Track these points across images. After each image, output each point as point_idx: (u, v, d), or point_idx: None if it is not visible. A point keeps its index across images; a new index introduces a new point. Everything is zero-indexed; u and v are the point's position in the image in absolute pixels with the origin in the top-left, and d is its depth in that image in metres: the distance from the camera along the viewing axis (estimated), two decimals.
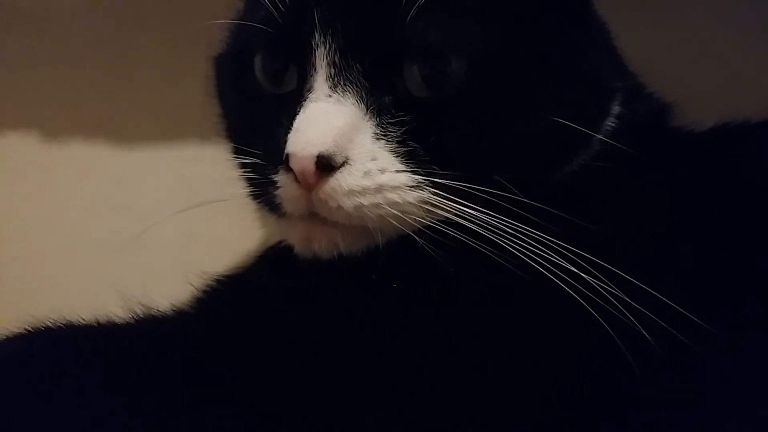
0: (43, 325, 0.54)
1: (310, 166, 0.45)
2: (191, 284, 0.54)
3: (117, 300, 0.69)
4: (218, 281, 0.53)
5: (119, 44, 0.84)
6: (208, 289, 0.53)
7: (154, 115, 0.84)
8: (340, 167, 0.46)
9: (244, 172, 0.52)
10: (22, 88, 0.84)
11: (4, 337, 0.55)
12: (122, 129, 0.83)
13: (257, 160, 0.50)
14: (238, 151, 0.54)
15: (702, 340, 0.41)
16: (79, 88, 0.84)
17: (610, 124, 0.52)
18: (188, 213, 0.74)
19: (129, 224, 0.80)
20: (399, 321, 0.46)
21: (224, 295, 0.53)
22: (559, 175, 0.49)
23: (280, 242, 0.54)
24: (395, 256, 0.47)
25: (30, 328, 0.54)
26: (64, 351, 0.52)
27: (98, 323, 0.53)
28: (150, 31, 0.83)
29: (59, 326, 0.54)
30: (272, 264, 0.54)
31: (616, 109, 0.52)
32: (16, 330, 0.55)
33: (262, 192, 0.50)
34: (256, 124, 0.51)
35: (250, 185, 0.52)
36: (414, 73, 0.47)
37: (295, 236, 0.50)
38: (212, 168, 0.78)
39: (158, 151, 0.83)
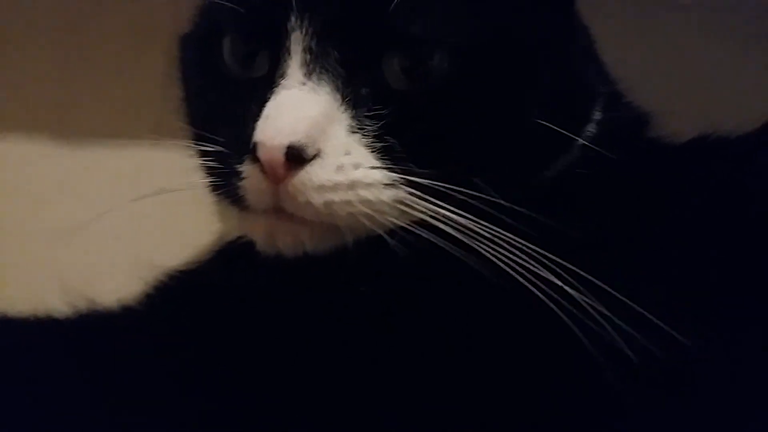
0: None
1: (279, 157, 0.42)
2: (140, 278, 0.50)
3: (59, 292, 0.66)
4: (170, 277, 0.50)
5: (65, 32, 0.79)
6: (159, 284, 0.50)
7: (104, 109, 0.79)
8: (311, 160, 0.43)
9: (204, 160, 0.48)
10: None
11: None
12: (69, 124, 0.79)
13: (220, 148, 0.46)
14: (199, 138, 0.50)
15: (681, 355, 0.39)
16: (21, 79, 0.79)
17: (590, 130, 0.50)
18: (139, 204, 0.71)
19: (74, 215, 0.75)
20: (365, 326, 0.44)
21: (176, 292, 0.49)
22: (538, 180, 0.47)
23: (240, 237, 0.50)
24: (364, 256, 0.45)
25: None
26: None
27: (36, 318, 0.49)
28: (100, 17, 0.79)
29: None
30: (230, 260, 0.51)
31: (597, 114, 0.51)
32: None
33: (224, 183, 0.46)
34: (221, 109, 0.48)
35: (211, 175, 0.48)
36: (394, 64, 0.44)
37: (258, 232, 0.47)
38: (164, 162, 0.76)
39: (107, 147, 0.79)
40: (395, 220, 0.44)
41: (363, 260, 0.45)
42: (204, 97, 0.51)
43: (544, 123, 0.45)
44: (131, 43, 0.78)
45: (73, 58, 0.79)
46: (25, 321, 0.49)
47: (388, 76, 0.45)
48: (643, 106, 0.55)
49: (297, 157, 0.42)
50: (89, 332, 0.48)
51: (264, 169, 0.43)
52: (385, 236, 0.44)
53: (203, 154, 0.48)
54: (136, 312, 0.48)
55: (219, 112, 0.48)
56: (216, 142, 0.47)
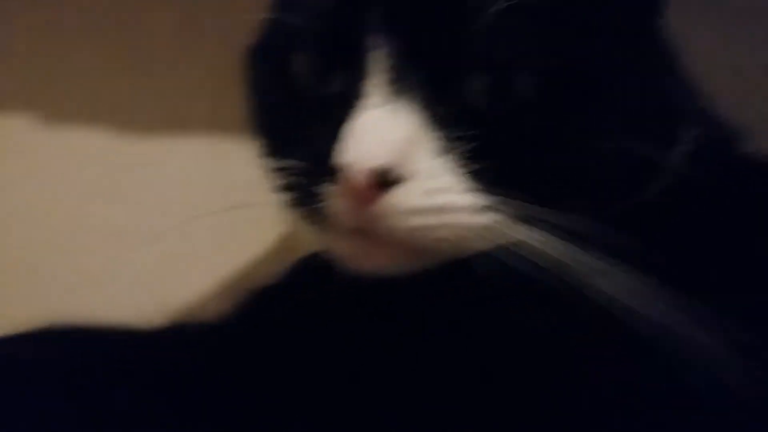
0: (53, 328, 0.50)
1: (365, 181, 0.41)
2: (220, 297, 0.50)
3: (125, 297, 0.65)
4: (255, 293, 0.49)
5: (129, 22, 0.79)
6: (244, 301, 0.49)
7: (165, 103, 0.79)
8: (399, 183, 0.42)
9: (280, 176, 0.48)
10: (21, 66, 0.79)
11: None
12: (129, 115, 0.79)
13: (299, 166, 0.45)
14: (273, 153, 0.49)
15: None
16: (84, 68, 0.79)
17: (682, 150, 0.48)
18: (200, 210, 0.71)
19: (137, 216, 0.76)
20: (450, 349, 0.43)
21: (259, 310, 0.49)
22: (629, 207, 0.45)
23: (318, 253, 0.49)
24: (450, 280, 0.44)
25: (37, 330, 0.50)
26: (79, 357, 0.48)
27: (118, 330, 0.49)
28: (164, 8, 0.78)
29: (72, 330, 0.49)
30: (311, 277, 0.50)
31: (688, 133, 0.48)
32: (19, 330, 0.50)
33: (305, 201, 0.45)
34: (296, 126, 0.47)
35: (288, 191, 0.47)
36: (478, 84, 0.43)
37: (341, 252, 0.46)
38: (226, 161, 0.75)
39: (168, 141, 0.79)
40: (483, 245, 0.43)
41: (448, 283, 0.44)
42: (276, 112, 0.50)
43: (632, 145, 0.44)
44: (188, 34, 0.78)
45: (132, 48, 0.79)
46: (107, 332, 0.49)
47: (470, 96, 0.43)
48: (732, 120, 0.53)
49: (383, 180, 0.41)
50: (176, 348, 0.47)
51: (348, 192, 0.42)
52: (472, 260, 0.42)
53: (278, 169, 0.48)
54: (222, 328, 0.48)
55: (294, 129, 0.47)
56: (292, 158, 0.46)
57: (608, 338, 0.41)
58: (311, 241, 0.49)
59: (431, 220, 0.42)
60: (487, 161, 0.43)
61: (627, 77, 0.46)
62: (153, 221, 0.75)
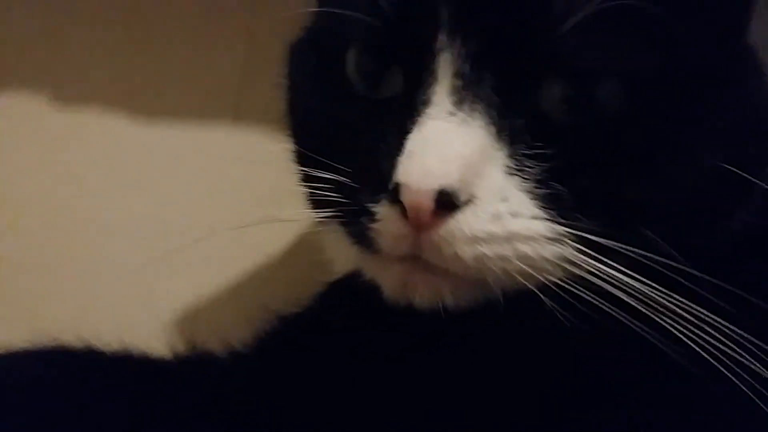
0: (59, 346, 0.46)
1: (428, 203, 0.36)
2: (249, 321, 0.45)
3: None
4: (281, 320, 0.45)
5: (144, 7, 0.74)
6: (269, 328, 0.44)
7: (183, 89, 0.74)
8: (463, 206, 0.37)
9: (319, 189, 0.42)
10: (33, 44, 0.74)
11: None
12: (145, 100, 0.74)
13: (344, 179, 0.40)
14: (312, 163, 0.43)
15: None
16: (99, 48, 0.74)
17: None
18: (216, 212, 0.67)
19: (149, 205, 0.71)
20: (509, 390, 0.39)
21: (287, 337, 0.44)
22: (718, 235, 0.41)
23: (354, 276, 0.44)
24: (511, 313, 0.39)
25: (40, 347, 0.46)
26: (86, 383, 0.43)
27: (131, 355, 0.44)
28: None
29: (80, 351, 0.45)
30: (346, 306, 0.45)
31: None
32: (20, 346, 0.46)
33: (350, 221, 0.40)
34: (345, 134, 0.41)
35: (330, 208, 0.41)
36: (554, 92, 0.38)
37: (389, 280, 0.41)
38: (244, 152, 0.71)
39: (183, 129, 0.74)
40: (553, 278, 0.38)
41: (509, 317, 0.39)
42: (321, 116, 0.44)
43: (725, 165, 0.39)
44: (214, 15, 0.73)
45: (152, 28, 0.74)
46: (119, 357, 0.44)
47: (548, 106, 0.38)
48: None
49: (447, 203, 0.36)
50: (194, 378, 0.43)
51: (407, 214, 0.37)
52: (539, 294, 0.38)
53: (316, 180, 0.42)
54: (244, 357, 0.43)
55: (342, 137, 0.42)
56: (335, 170, 0.41)
57: (685, 384, 0.37)
58: (346, 261, 0.44)
59: (497, 249, 0.37)
60: (563, 183, 0.38)
61: (719, 88, 0.41)
62: (165, 213, 0.70)
